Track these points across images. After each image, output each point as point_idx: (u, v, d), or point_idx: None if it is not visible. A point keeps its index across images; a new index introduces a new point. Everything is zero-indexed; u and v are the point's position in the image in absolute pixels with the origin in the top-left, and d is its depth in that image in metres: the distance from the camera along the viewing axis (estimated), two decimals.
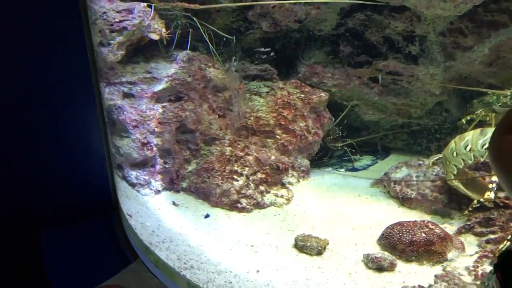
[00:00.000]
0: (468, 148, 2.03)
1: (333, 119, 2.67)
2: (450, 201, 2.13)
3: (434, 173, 2.26)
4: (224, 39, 2.59)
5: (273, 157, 2.35)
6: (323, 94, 2.63)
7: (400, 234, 1.82)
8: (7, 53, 1.85)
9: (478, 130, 2.05)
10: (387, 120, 2.96)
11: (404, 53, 2.64)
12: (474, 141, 2.01)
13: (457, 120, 2.88)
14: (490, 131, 1.99)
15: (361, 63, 2.76)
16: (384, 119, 2.94)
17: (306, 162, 2.57)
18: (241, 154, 2.32)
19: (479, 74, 2.62)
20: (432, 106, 2.81)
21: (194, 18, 2.32)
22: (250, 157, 2.31)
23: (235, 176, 2.23)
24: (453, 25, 2.50)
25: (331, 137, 2.72)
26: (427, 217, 2.11)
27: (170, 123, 2.19)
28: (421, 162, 2.41)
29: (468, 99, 2.72)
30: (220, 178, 2.20)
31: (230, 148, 2.32)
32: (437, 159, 2.34)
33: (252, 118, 2.46)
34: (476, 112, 2.46)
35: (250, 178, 2.24)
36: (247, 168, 2.27)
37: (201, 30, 2.36)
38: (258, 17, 2.63)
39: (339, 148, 2.72)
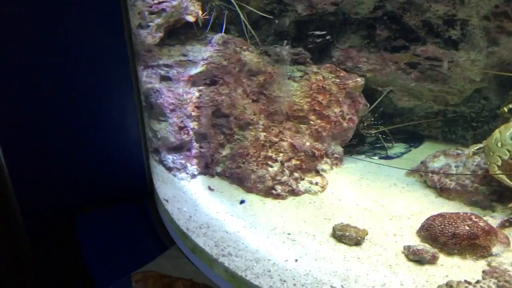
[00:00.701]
0: None
1: (368, 105, 2.62)
2: (492, 193, 2.06)
3: (475, 164, 2.19)
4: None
5: (307, 143, 2.32)
6: (359, 79, 2.57)
7: (442, 226, 1.78)
8: (42, 36, 1.83)
9: None
10: (422, 107, 2.89)
11: (444, 38, 2.55)
12: None
13: (496, 108, 2.80)
14: None
15: (398, 47, 2.68)
16: (419, 106, 2.87)
17: (339, 149, 2.53)
18: (276, 139, 2.28)
19: None
20: (470, 93, 2.74)
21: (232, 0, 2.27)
22: (284, 143, 2.28)
23: (269, 162, 2.20)
24: (498, 8, 2.39)
25: (365, 123, 2.67)
26: (467, 209, 2.06)
27: (206, 107, 2.17)
28: (460, 151, 2.33)
29: (509, 87, 2.64)
30: (254, 163, 2.18)
31: (264, 133, 2.29)
32: (478, 149, 2.27)
33: (285, 103, 2.42)
34: None
35: (285, 165, 2.22)
36: (281, 154, 2.24)
37: (239, 12, 2.30)
38: None
39: (373, 135, 2.67)
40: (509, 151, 1.98)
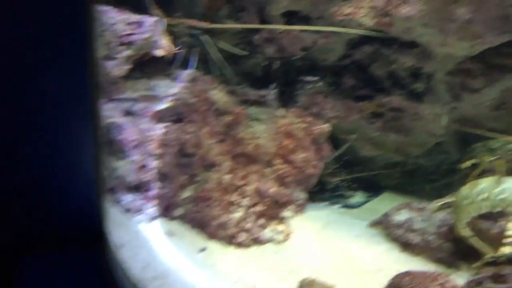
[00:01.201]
0: (483, 197, 1.94)
1: (332, 153, 2.59)
2: (457, 250, 2.04)
3: (440, 219, 2.18)
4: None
5: (273, 189, 2.23)
6: (325, 125, 2.53)
7: (411, 286, 1.72)
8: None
9: (493, 178, 1.97)
10: (384, 157, 2.87)
11: (409, 89, 2.58)
12: (490, 189, 1.94)
13: (455, 162, 2.84)
14: (507, 180, 1.92)
15: (363, 96, 2.69)
16: (381, 155, 2.86)
17: (303, 196, 2.45)
18: (241, 183, 2.18)
19: (483, 117, 2.56)
20: (431, 146, 2.77)
21: (205, 36, 2.20)
22: (249, 187, 2.18)
23: (233, 207, 2.09)
24: (461, 65, 2.44)
25: (329, 171, 2.62)
26: (432, 266, 2.03)
27: (171, 145, 2.04)
28: (424, 205, 2.30)
29: (470, 142, 2.70)
30: (218, 208, 2.06)
31: (229, 176, 2.18)
32: (442, 204, 2.27)
33: (250, 146, 2.34)
34: (482, 157, 2.42)
35: (250, 211, 2.11)
36: (246, 199, 2.14)
37: (210, 50, 2.23)
38: (264, 41, 2.54)
39: (336, 182, 2.63)
40: (477, 209, 1.96)
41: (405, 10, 2.26)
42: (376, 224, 2.38)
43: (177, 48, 2.14)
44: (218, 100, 2.26)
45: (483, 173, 2.44)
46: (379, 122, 2.70)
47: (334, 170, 2.64)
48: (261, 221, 2.12)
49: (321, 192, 2.60)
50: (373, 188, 2.86)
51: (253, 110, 2.52)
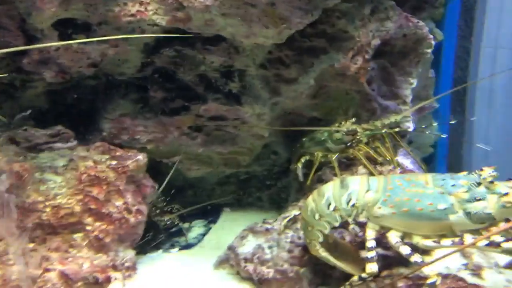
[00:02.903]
0: (332, 208, 1.63)
1: (156, 186, 2.09)
2: (316, 273, 1.76)
3: (289, 240, 1.86)
4: None
5: (86, 265, 1.64)
6: (140, 156, 2.00)
7: None
8: None
9: (336, 183, 1.68)
10: (214, 173, 2.52)
11: (225, 92, 2.22)
12: (337, 198, 1.63)
13: (286, 162, 2.62)
14: (350, 182, 1.64)
15: (177, 109, 2.23)
16: (211, 172, 2.49)
17: (130, 254, 1.90)
18: (37, 272, 1.54)
19: (303, 108, 2.38)
20: (259, 150, 2.48)
21: None
22: (52, 274, 1.56)
23: None
24: (272, 54, 2.18)
25: (157, 210, 2.12)
26: None
27: None
28: (268, 226, 1.95)
29: (295, 138, 2.49)
30: None
31: (18, 269, 1.52)
32: (288, 221, 1.98)
33: (48, 210, 1.70)
34: (313, 154, 2.20)
35: None
36: None
37: None
38: (37, 65, 1.87)
39: (170, 221, 2.14)
40: (329, 222, 1.65)
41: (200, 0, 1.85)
42: (222, 263, 1.97)
43: None
44: None
45: (318, 170, 2.27)
46: (201, 136, 2.31)
47: (162, 207, 2.15)
48: None
49: (153, 239, 2.10)
50: (210, 212, 2.48)
51: (44, 158, 1.86)
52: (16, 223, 1.60)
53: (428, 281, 1.41)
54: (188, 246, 2.20)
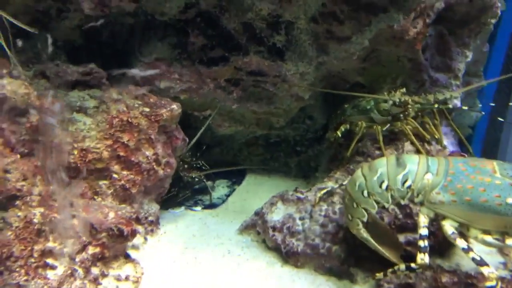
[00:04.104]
0: (384, 186, 1.46)
1: (187, 140, 1.95)
2: (349, 254, 1.61)
3: (323, 214, 1.69)
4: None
5: (111, 215, 1.50)
6: (174, 105, 1.83)
7: None
8: None
9: (392, 159, 1.49)
10: (244, 133, 2.35)
11: (268, 45, 2.01)
12: (392, 176, 1.46)
13: (320, 129, 2.43)
14: (408, 160, 1.46)
15: (216, 59, 2.05)
16: (241, 132, 2.33)
17: (155, 208, 1.79)
18: (60, 217, 1.42)
19: (349, 71, 2.16)
20: (295, 113, 2.28)
21: None
22: (74, 221, 1.44)
23: (50, 261, 1.34)
24: (325, 7, 1.92)
25: (185, 165, 1.98)
26: (321, 279, 1.59)
27: None
28: (301, 196, 1.80)
29: (335, 104, 2.31)
30: (23, 271, 1.28)
31: (41, 210, 1.40)
32: (324, 193, 1.83)
33: (75, 153, 1.57)
34: (354, 123, 2.01)
35: (77, 259, 1.39)
36: (70, 242, 1.40)
37: None
38: None
39: (196, 179, 2.00)
40: (378, 202, 1.48)
41: None
42: (247, 228, 1.85)
43: None
44: (12, 93, 1.40)
45: (359, 141, 2.11)
46: (237, 91, 2.14)
47: (190, 162, 2.01)
48: (97, 269, 1.43)
49: (177, 195, 1.97)
50: (234, 173, 2.33)
51: (74, 97, 1.71)
52: (41, 164, 1.47)
53: (487, 284, 1.28)
54: (212, 206, 2.07)
